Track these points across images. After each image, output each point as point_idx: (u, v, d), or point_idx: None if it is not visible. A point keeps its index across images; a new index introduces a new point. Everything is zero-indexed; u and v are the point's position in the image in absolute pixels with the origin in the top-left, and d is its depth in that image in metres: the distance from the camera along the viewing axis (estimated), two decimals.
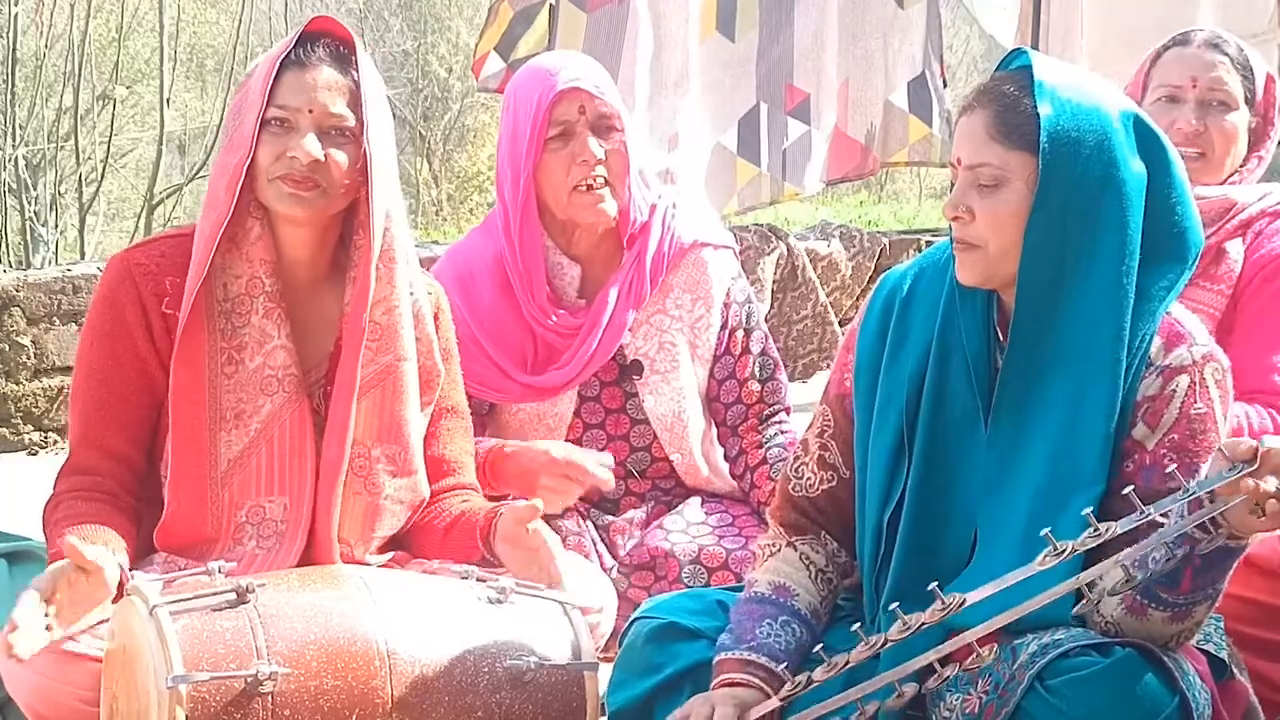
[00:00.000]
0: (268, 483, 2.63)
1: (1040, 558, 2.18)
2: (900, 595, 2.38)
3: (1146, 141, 2.39)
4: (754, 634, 2.47)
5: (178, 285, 2.63)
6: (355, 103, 2.62)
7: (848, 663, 2.29)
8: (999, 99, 2.37)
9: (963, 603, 2.21)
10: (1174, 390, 2.37)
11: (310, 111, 2.59)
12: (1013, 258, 2.38)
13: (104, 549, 2.42)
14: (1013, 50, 2.48)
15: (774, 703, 2.36)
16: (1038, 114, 2.33)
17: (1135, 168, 2.37)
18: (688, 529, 3.17)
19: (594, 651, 2.48)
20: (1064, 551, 2.16)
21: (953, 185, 2.46)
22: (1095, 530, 2.17)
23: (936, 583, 2.23)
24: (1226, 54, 3.12)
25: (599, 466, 3.00)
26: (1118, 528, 2.16)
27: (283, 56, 2.61)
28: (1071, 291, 2.38)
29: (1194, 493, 2.14)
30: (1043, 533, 2.19)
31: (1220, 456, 2.14)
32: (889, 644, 2.26)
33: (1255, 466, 2.10)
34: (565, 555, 2.65)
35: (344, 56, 2.63)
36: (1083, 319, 2.38)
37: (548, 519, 2.90)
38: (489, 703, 2.35)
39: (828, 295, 7.12)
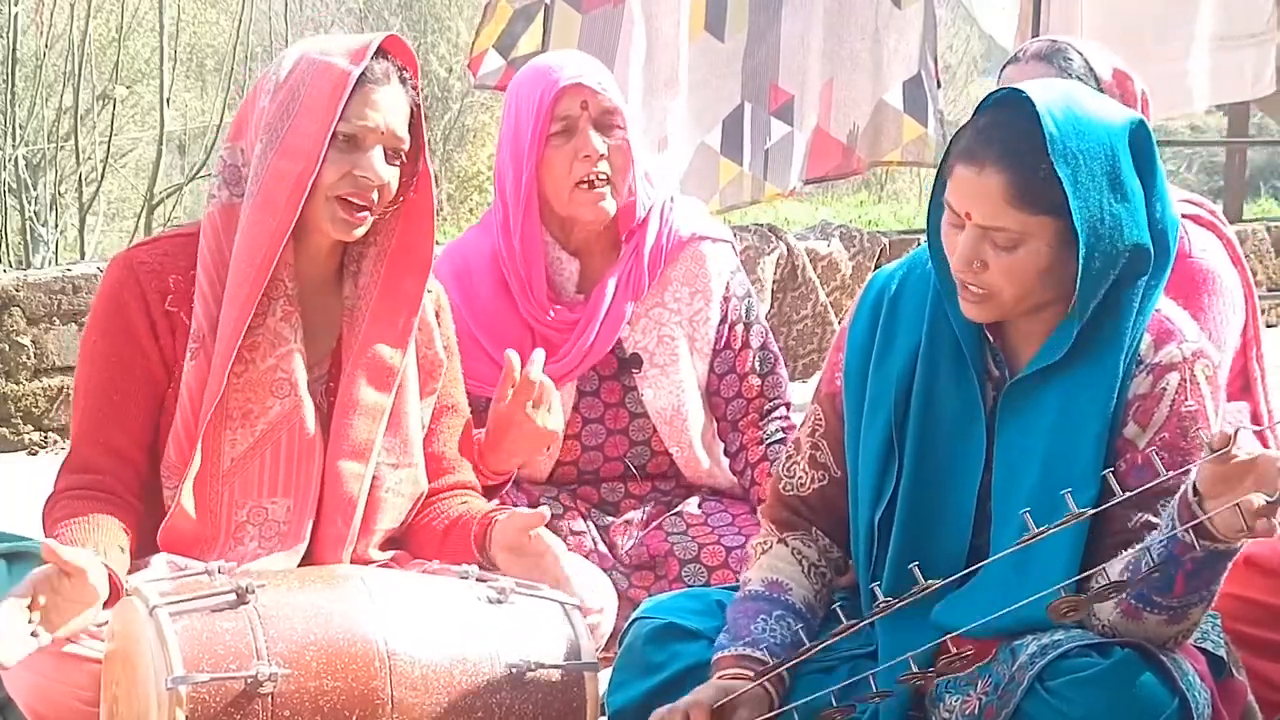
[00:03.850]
0: (270, 484, 2.62)
1: (1017, 542, 2.19)
2: (897, 594, 2.38)
3: (1140, 151, 2.37)
4: (749, 630, 2.48)
5: (181, 283, 2.62)
6: (414, 124, 2.63)
7: (822, 644, 2.32)
8: (1014, 161, 2.30)
9: (928, 586, 2.20)
10: (1164, 388, 2.38)
11: (381, 132, 2.59)
12: (1028, 299, 2.37)
13: (86, 550, 2.40)
14: (1007, 89, 2.39)
15: (755, 685, 2.37)
16: (1057, 175, 2.28)
17: (1138, 186, 2.36)
18: (687, 529, 3.17)
19: (594, 652, 2.48)
20: (1037, 534, 2.16)
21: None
22: (1071, 513, 2.17)
23: (916, 563, 2.24)
24: (1060, 64, 3.04)
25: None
26: (1090, 512, 2.16)
27: (358, 72, 2.57)
28: (1100, 310, 2.39)
29: (1168, 479, 2.15)
30: (1021, 513, 2.19)
31: (1205, 449, 2.15)
32: (863, 624, 2.29)
33: (1226, 450, 2.10)
34: (567, 557, 2.65)
35: (406, 78, 2.64)
36: (1098, 331, 2.39)
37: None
38: (489, 703, 2.35)
39: (828, 295, 7.11)
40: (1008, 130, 2.32)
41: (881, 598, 2.26)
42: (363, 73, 2.57)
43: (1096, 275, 2.34)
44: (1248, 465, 2.10)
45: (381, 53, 2.61)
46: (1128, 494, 2.17)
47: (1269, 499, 2.09)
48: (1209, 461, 2.12)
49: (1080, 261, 2.31)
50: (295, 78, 2.59)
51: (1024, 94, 2.34)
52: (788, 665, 2.39)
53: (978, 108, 2.39)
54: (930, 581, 2.20)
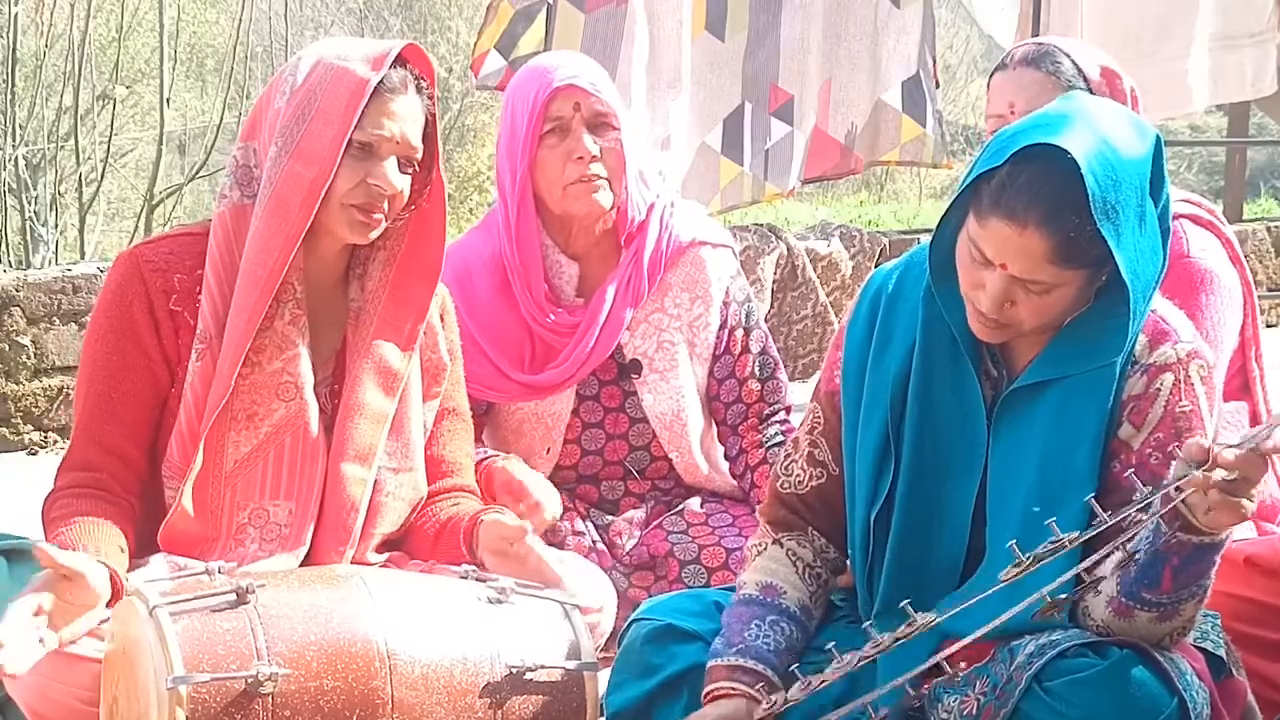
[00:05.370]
0: (273, 486, 2.62)
1: (1005, 571, 2.19)
2: (894, 596, 2.39)
3: (1154, 168, 2.35)
4: (742, 637, 2.47)
5: (185, 283, 2.62)
6: (429, 134, 2.64)
7: (823, 682, 2.31)
8: (1058, 224, 2.26)
9: (930, 622, 2.21)
10: (1159, 389, 2.38)
11: (396, 142, 2.59)
12: (1046, 326, 2.38)
13: (83, 554, 2.40)
14: (1043, 142, 2.29)
15: (760, 711, 2.37)
16: (1101, 234, 2.26)
17: (1153, 208, 2.35)
18: (688, 529, 3.17)
19: (594, 652, 2.48)
20: (1025, 564, 2.16)
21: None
22: (1056, 539, 2.17)
23: (909, 600, 2.24)
24: (1049, 67, 3.02)
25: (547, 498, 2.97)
26: (1081, 536, 2.17)
27: (376, 81, 2.56)
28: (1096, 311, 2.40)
29: (1148, 497, 2.15)
30: (1009, 544, 2.19)
31: (1179, 461, 2.15)
32: (862, 663, 2.28)
33: (1208, 465, 2.10)
34: (560, 557, 2.65)
35: (423, 87, 2.64)
36: (1102, 336, 2.39)
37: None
38: (489, 703, 2.36)
39: (828, 295, 7.11)
40: (1049, 191, 2.26)
41: (876, 636, 2.26)
42: (380, 81, 2.56)
43: (1142, 314, 2.36)
44: (1213, 458, 2.11)
45: (399, 61, 2.61)
46: (1113, 520, 2.17)
47: (1229, 477, 2.09)
48: (1182, 470, 2.13)
49: (1130, 307, 2.32)
50: (312, 81, 2.58)
51: (1062, 147, 2.27)
52: (787, 705, 2.37)
53: (1011, 151, 2.30)
54: (926, 616, 2.21)
